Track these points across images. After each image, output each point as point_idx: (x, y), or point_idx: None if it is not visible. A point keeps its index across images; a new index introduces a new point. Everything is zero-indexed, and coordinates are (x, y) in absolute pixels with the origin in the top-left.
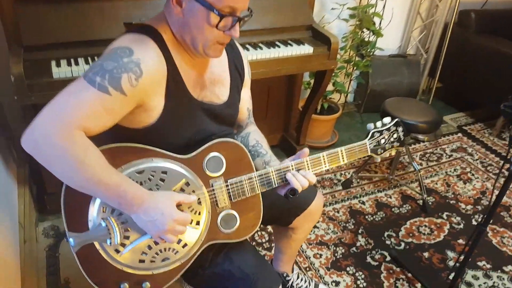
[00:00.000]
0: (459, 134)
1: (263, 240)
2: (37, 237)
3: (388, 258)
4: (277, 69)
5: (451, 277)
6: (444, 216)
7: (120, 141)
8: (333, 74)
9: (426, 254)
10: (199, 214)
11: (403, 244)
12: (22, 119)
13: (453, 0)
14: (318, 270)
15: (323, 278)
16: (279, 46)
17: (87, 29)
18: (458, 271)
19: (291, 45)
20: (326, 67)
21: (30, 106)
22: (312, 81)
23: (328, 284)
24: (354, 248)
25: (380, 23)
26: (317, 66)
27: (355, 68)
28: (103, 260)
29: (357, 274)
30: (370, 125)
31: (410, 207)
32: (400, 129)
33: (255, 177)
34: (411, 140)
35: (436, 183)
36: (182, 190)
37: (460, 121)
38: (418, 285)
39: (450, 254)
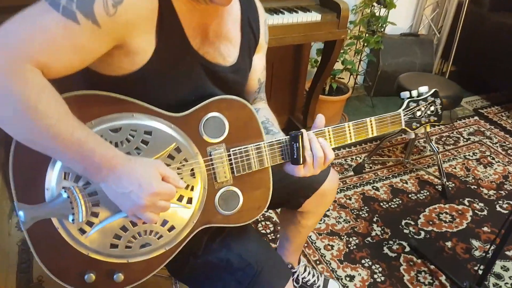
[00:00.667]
0: (476, 117)
1: (268, 231)
2: (10, 230)
3: (407, 249)
4: (282, 37)
5: (478, 268)
6: (466, 202)
7: (91, 89)
8: (342, 50)
9: (449, 244)
10: (192, 189)
11: (422, 233)
12: None
13: None
14: (330, 263)
15: (336, 272)
16: (283, 13)
17: None
18: (488, 264)
19: (296, 12)
20: (335, 36)
21: None
22: (319, 58)
23: (341, 279)
24: (369, 238)
25: None
26: (326, 36)
27: (365, 45)
28: (63, 242)
29: (373, 267)
30: (405, 93)
31: (428, 193)
32: (438, 101)
33: (264, 146)
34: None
35: (455, 167)
36: (170, 157)
37: (475, 104)
38: (442, 277)
39: (475, 243)
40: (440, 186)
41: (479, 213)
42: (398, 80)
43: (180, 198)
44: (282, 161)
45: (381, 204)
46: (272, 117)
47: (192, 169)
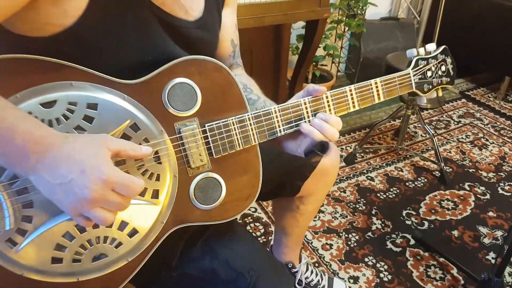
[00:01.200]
0: (463, 100)
1: (258, 234)
2: None
3: (412, 242)
4: (261, 16)
5: (489, 257)
6: (466, 186)
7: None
8: (324, 35)
9: (455, 233)
10: (158, 179)
11: (426, 223)
12: None
13: None
14: (330, 265)
15: (337, 274)
16: None
17: None
18: (507, 253)
19: None
20: (318, 15)
21: None
22: (301, 45)
23: (344, 280)
24: (370, 233)
25: None
26: (308, 15)
27: (346, 29)
28: None
29: (378, 265)
30: (412, 51)
31: (426, 180)
32: (449, 59)
33: (249, 118)
34: (417, 107)
35: (450, 151)
36: (126, 138)
37: (461, 87)
38: (454, 270)
39: (483, 230)
40: (437, 172)
41: (482, 197)
42: (387, 60)
43: (142, 192)
44: (272, 137)
45: (378, 195)
46: (250, 82)
47: (156, 153)
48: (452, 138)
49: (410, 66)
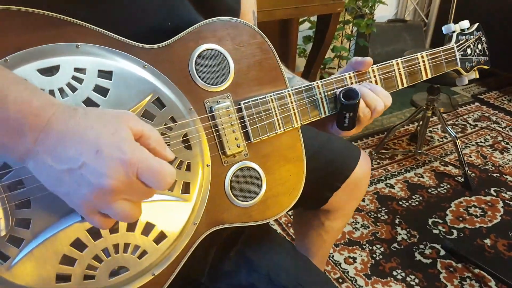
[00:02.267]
0: (476, 104)
1: None
2: None
3: (443, 252)
4: (271, 10)
5: None
6: (493, 192)
7: None
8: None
9: (487, 241)
10: (188, 169)
11: (455, 231)
12: None
13: None
14: (356, 280)
15: None
16: None
17: None
18: None
19: None
20: (330, 9)
21: None
22: (308, 47)
23: None
24: (395, 244)
25: None
26: (320, 9)
27: (355, 30)
28: None
29: (408, 278)
30: (449, 26)
31: (449, 186)
32: (483, 38)
33: (289, 95)
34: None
35: (470, 156)
36: (148, 116)
37: (472, 91)
38: (492, 282)
39: None
40: (460, 177)
41: (511, 203)
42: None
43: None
44: (316, 117)
45: (400, 203)
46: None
47: (185, 135)
48: (471, 142)
49: (452, 40)
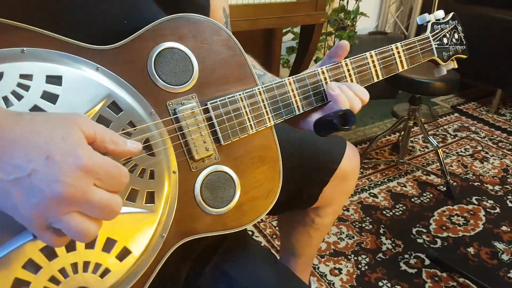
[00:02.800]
0: (456, 114)
1: None
2: None
3: (427, 261)
4: (254, 19)
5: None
6: (474, 200)
7: None
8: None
9: (471, 250)
10: (152, 177)
11: (438, 240)
12: None
13: None
14: None
15: None
16: None
17: None
18: None
19: None
20: (314, 20)
21: None
22: (291, 58)
23: None
24: (380, 255)
25: None
26: (304, 19)
27: (338, 40)
28: None
29: None
30: (424, 16)
31: (432, 195)
32: (459, 27)
33: (260, 93)
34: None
35: (451, 165)
36: (103, 123)
37: (452, 102)
38: None
39: (499, 245)
40: (442, 186)
41: (492, 211)
42: None
43: (132, 196)
44: (288, 115)
45: (384, 212)
46: (251, 58)
47: (146, 141)
48: (452, 151)
49: (427, 30)
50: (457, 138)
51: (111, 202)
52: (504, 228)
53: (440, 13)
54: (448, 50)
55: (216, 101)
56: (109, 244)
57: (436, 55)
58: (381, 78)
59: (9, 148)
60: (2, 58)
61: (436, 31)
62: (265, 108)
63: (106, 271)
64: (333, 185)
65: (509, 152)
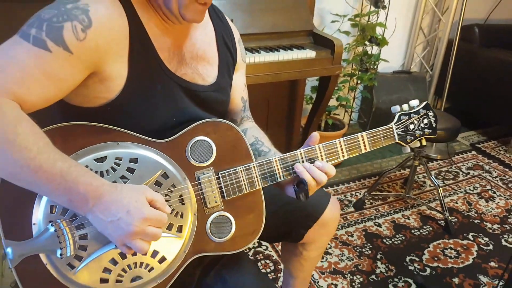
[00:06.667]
0: (473, 152)
1: (268, 270)
2: (3, 271)
3: (414, 286)
4: (278, 73)
5: None
6: (470, 236)
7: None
8: (337, 87)
9: (456, 280)
10: (182, 217)
11: (428, 269)
12: None
13: (456, 14)
14: None
15: None
16: (278, 51)
17: None
18: None
19: (291, 49)
20: (330, 72)
21: None
22: (314, 95)
23: None
24: (373, 276)
25: (383, 33)
26: (321, 72)
27: (359, 82)
28: (51, 278)
29: None
30: (396, 107)
31: (431, 228)
32: (430, 113)
33: (254, 167)
34: (424, 159)
35: (456, 202)
36: (157, 184)
37: (472, 139)
38: None
39: (483, 279)
40: (442, 221)
41: (485, 248)
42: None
43: (169, 227)
44: (273, 182)
45: (384, 240)
46: (261, 135)
47: (180, 195)
48: (460, 189)
49: (394, 120)
50: (468, 176)
51: (157, 233)
52: (492, 264)
53: (414, 102)
54: (413, 134)
55: (225, 172)
56: (154, 254)
57: (398, 140)
58: (346, 157)
59: (109, 205)
60: (106, 147)
61: (402, 121)
62: (256, 176)
63: (151, 268)
64: (316, 229)
65: None
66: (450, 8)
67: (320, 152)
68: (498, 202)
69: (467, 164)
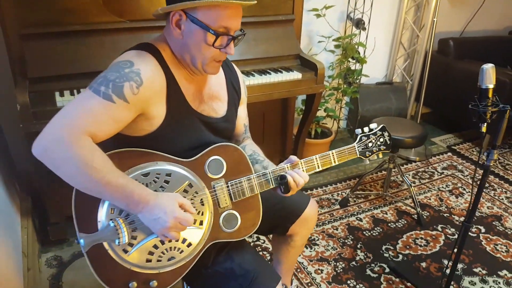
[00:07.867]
0: (449, 153)
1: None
2: (40, 268)
3: (387, 270)
4: (270, 93)
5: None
6: (439, 228)
7: (124, 148)
8: (324, 100)
9: (423, 264)
10: (202, 214)
11: (400, 256)
12: (25, 147)
13: (432, 30)
14: (320, 285)
15: None
16: (270, 73)
17: (89, 61)
18: (451, 271)
19: (281, 72)
20: (314, 90)
21: (34, 134)
22: (304, 107)
23: None
24: (353, 262)
25: (364, 51)
26: (307, 90)
27: (343, 94)
28: (112, 259)
29: (357, 286)
30: (358, 130)
31: (405, 222)
32: (386, 134)
33: (253, 178)
34: (403, 160)
35: (430, 199)
36: (185, 191)
37: (449, 142)
38: None
39: (446, 262)
40: (415, 215)
41: (451, 237)
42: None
43: (194, 221)
44: (267, 187)
45: (364, 232)
46: (257, 149)
47: (201, 199)
48: (434, 187)
49: (356, 140)
50: (442, 175)
51: (184, 227)
52: (455, 250)
53: (373, 125)
54: (371, 151)
55: (232, 182)
56: (183, 240)
57: (359, 155)
58: (320, 169)
59: (153, 208)
60: (148, 165)
61: (362, 141)
62: (256, 184)
63: (182, 251)
64: (299, 224)
65: (485, 190)
66: (425, 25)
67: (302, 165)
68: (466, 198)
69: (442, 164)
